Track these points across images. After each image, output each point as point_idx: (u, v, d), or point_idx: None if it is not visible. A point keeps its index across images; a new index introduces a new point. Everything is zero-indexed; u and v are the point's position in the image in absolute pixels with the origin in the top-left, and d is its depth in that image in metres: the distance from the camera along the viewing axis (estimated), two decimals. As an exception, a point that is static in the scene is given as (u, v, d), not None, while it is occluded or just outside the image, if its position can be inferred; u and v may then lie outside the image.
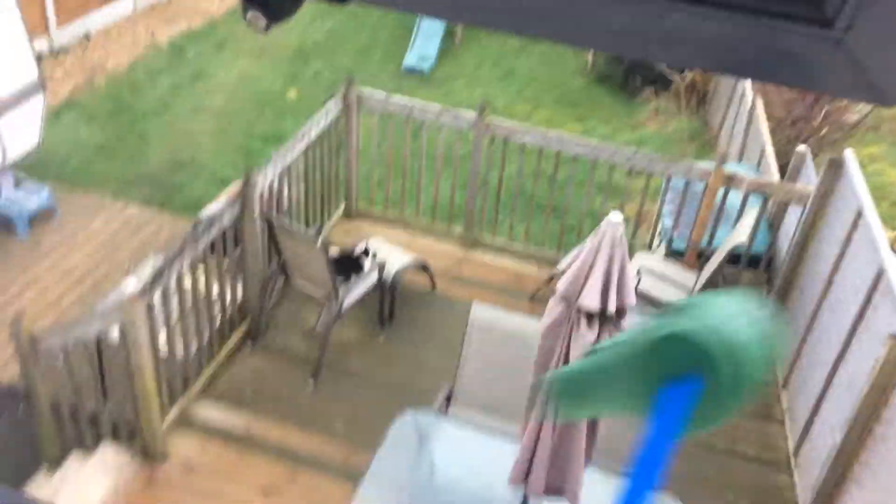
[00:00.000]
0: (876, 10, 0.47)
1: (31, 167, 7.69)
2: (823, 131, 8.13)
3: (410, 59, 10.95)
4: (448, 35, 11.51)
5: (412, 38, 11.24)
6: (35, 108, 7.05)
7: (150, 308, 4.08)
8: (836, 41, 0.48)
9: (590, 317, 3.14)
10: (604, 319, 3.14)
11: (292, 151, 5.36)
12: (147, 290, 4.04)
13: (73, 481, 4.20)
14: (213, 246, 4.65)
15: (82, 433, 4.40)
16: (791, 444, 4.77)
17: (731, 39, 0.52)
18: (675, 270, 5.55)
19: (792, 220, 5.68)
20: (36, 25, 9.67)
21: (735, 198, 5.61)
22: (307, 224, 5.89)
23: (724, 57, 0.57)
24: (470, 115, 5.81)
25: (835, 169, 5.08)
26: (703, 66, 0.62)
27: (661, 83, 10.22)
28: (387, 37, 11.87)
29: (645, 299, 5.30)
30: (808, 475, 4.40)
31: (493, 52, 11.69)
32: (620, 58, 10.56)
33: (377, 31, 12.03)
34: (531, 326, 3.74)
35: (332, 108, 5.81)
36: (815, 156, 6.54)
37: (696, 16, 0.51)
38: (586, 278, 3.07)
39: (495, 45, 11.91)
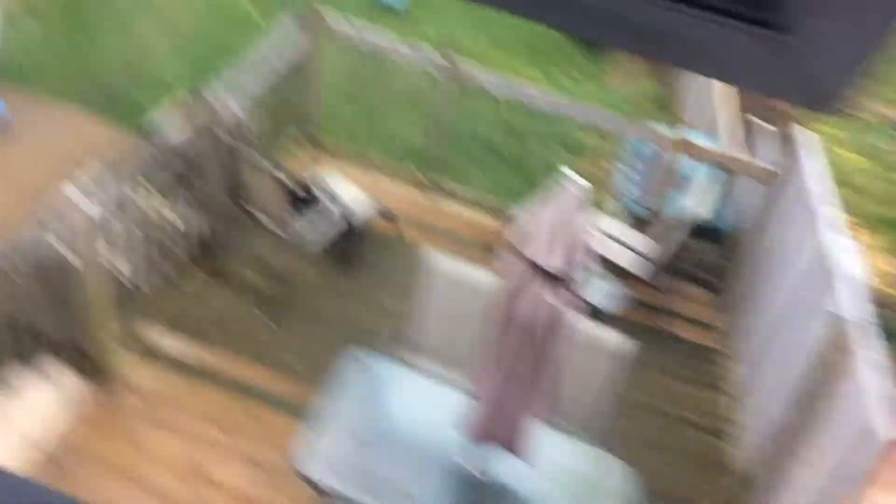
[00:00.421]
0: (821, 14, 0.46)
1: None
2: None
3: (383, -7, 10.61)
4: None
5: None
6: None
7: (105, 227, 3.91)
8: (778, 42, 0.48)
9: (546, 276, 3.16)
10: (560, 279, 3.15)
11: (252, 74, 5.13)
12: (103, 208, 3.87)
13: (24, 398, 4.05)
14: (174, 174, 4.46)
15: (36, 352, 4.21)
16: (736, 415, 4.88)
17: (669, 28, 0.52)
18: (633, 235, 5.59)
19: (752, 193, 5.68)
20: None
21: (697, 167, 5.63)
22: (267, 154, 5.70)
23: (658, 45, 0.56)
24: (437, 57, 5.66)
25: (794, 147, 5.14)
26: (636, 50, 0.60)
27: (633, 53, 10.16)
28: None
29: (604, 262, 5.31)
30: (750, 446, 4.53)
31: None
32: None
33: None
34: (484, 278, 3.75)
35: (293, 30, 5.54)
36: (778, 126, 6.60)
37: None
38: (544, 236, 3.08)
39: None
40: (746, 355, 5.09)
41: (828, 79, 0.50)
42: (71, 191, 3.88)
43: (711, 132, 7.45)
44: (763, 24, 0.48)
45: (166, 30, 8.87)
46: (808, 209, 4.65)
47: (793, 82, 0.51)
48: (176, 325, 4.73)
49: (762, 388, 4.59)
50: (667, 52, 0.59)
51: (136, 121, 7.31)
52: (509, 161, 6.23)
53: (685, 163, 5.58)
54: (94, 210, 3.87)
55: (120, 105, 7.56)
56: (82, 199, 3.90)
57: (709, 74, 0.59)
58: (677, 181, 5.67)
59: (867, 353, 3.58)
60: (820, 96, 0.52)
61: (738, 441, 4.77)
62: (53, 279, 4.07)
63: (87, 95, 7.58)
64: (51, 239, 3.81)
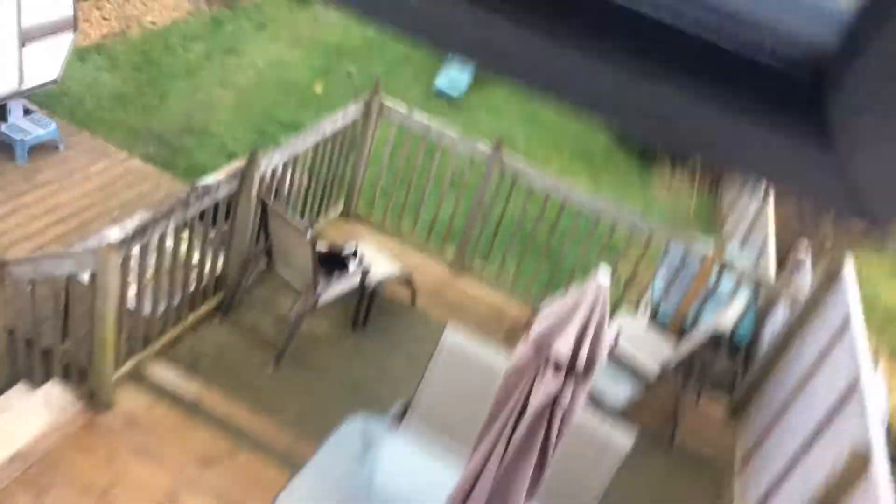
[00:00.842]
0: (871, 117, 0.41)
1: (45, 100, 7.68)
2: (829, 235, 8.16)
3: (441, 83, 11.02)
4: (483, 66, 11.58)
5: (446, 62, 11.31)
6: (62, 44, 7.06)
7: (126, 260, 4.03)
8: (826, 146, 0.42)
9: (557, 367, 3.11)
10: (570, 372, 3.10)
11: (304, 142, 5.35)
12: (127, 241, 3.99)
13: (13, 409, 4.11)
14: (203, 215, 4.61)
15: (33, 365, 4.33)
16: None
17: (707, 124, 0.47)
18: (654, 339, 5.52)
19: (779, 316, 5.67)
20: (84, -34, 9.74)
21: (729, 282, 5.61)
22: (303, 215, 5.87)
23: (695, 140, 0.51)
24: (485, 148, 5.83)
25: (830, 277, 5.08)
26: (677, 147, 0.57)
27: (679, 156, 10.29)
28: (423, 55, 11.95)
29: (619, 361, 5.27)
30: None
31: (522, 92, 11.76)
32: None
33: (415, 47, 12.11)
34: (499, 361, 3.70)
35: (353, 111, 5.81)
36: (815, 257, 6.57)
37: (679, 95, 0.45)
38: (562, 328, 3.04)
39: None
40: (754, 473, 4.90)
41: (879, 192, 0.45)
42: (108, 225, 4.04)
43: (749, 249, 7.42)
44: (809, 130, 0.42)
45: (234, 99, 9.30)
46: (842, 338, 4.54)
47: (838, 190, 0.45)
48: (177, 357, 4.75)
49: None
50: (703, 149, 0.54)
51: (183, 168, 7.63)
52: (545, 255, 6.25)
53: (721, 276, 5.55)
54: (125, 247, 3.98)
55: (171, 152, 7.88)
56: (112, 230, 4.05)
57: (745, 171, 0.54)
58: (707, 292, 5.62)
59: (885, 482, 3.41)
60: (867, 209, 0.46)
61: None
62: (65, 296, 4.16)
63: (141, 140, 7.93)
64: (74, 262, 3.91)
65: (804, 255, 6.04)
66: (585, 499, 3.73)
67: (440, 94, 10.92)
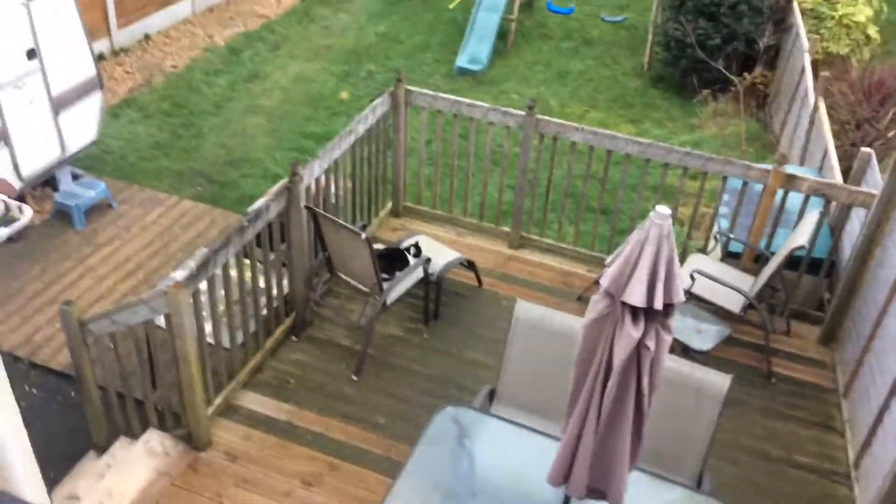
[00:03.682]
0: None
1: (90, 162, 7.91)
2: (891, 134, 7.79)
3: (462, 61, 10.92)
4: (500, 37, 11.44)
5: (464, 40, 11.21)
6: (93, 105, 7.23)
7: (195, 296, 4.11)
8: None
9: (635, 313, 3.03)
10: (650, 316, 3.02)
11: (339, 147, 5.36)
12: (193, 278, 4.07)
13: (119, 466, 4.26)
14: (259, 239, 4.67)
15: (129, 419, 4.46)
16: (851, 456, 4.55)
17: None
18: (731, 273, 5.37)
19: (855, 225, 5.44)
20: (97, 27, 9.96)
21: (795, 201, 5.41)
22: (354, 220, 5.89)
23: None
24: (519, 113, 5.73)
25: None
26: None
27: (719, 84, 9.97)
28: (439, 39, 11.87)
29: (699, 302, 5.15)
30: (869, 488, 4.18)
31: (545, 54, 11.58)
32: (677, 58, 10.35)
33: (430, 34, 12.04)
34: (577, 325, 3.64)
35: (380, 106, 5.80)
36: (881, 159, 6.28)
37: None
38: (631, 273, 2.94)
39: (548, 47, 11.80)
40: (858, 391, 4.72)
41: None
42: (173, 270, 4.14)
43: (811, 165, 7.14)
44: None
45: (266, 123, 9.40)
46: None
47: None
48: (263, 384, 4.83)
49: (881, 425, 4.21)
50: None
51: (232, 200, 7.75)
52: (601, 212, 6.14)
53: (786, 196, 5.35)
54: (192, 284, 4.05)
55: (217, 187, 8.01)
56: (178, 273, 4.13)
57: None
58: (778, 216, 5.43)
59: None
60: None
61: (856, 484, 4.38)
62: (147, 345, 4.27)
63: (187, 181, 8.08)
64: (146, 308, 4.00)
65: (868, 158, 5.77)
66: (693, 451, 3.65)
67: (463, 72, 10.83)
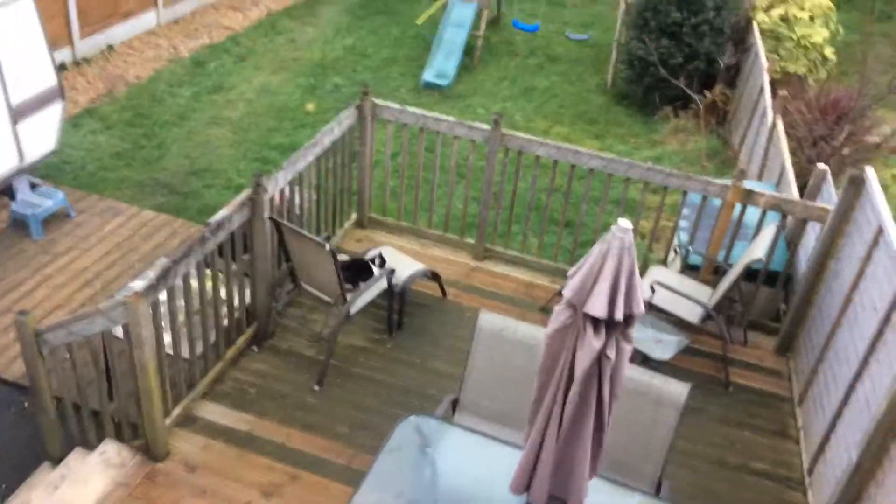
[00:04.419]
0: None
1: (49, 171, 7.77)
2: (845, 151, 8.00)
3: (429, 75, 10.98)
4: (467, 53, 11.54)
5: (431, 55, 11.28)
6: (53, 115, 7.12)
7: (154, 306, 4.06)
8: None
9: (596, 323, 3.07)
10: (611, 326, 3.06)
11: (304, 159, 5.35)
12: (153, 287, 4.02)
13: (74, 477, 4.16)
14: (221, 249, 4.64)
15: (85, 430, 4.37)
16: (805, 462, 4.64)
17: None
18: (690, 285, 5.46)
19: (810, 239, 5.58)
20: (60, 37, 9.82)
21: (753, 215, 5.53)
22: (318, 231, 5.88)
23: None
24: (484, 127, 5.78)
25: (855, 186, 4.97)
26: None
27: (681, 102, 10.16)
28: (406, 54, 11.93)
29: (659, 313, 5.22)
30: (822, 494, 4.27)
31: (511, 70, 11.70)
32: (640, 76, 10.53)
33: (397, 48, 12.09)
34: (539, 335, 3.67)
35: (347, 118, 5.80)
36: (835, 176, 6.44)
37: None
38: (594, 284, 2.99)
39: (514, 64, 11.92)
40: (812, 400, 4.83)
41: None
42: (132, 280, 4.08)
43: (769, 180, 7.31)
44: None
45: (231, 134, 9.34)
46: (878, 248, 4.45)
47: None
48: (223, 394, 4.78)
49: (834, 433, 4.31)
50: None
51: (195, 210, 7.67)
52: (565, 224, 6.20)
53: (744, 211, 5.47)
54: (151, 294, 4.00)
55: (180, 198, 7.92)
56: (137, 283, 4.08)
57: None
58: (736, 230, 5.54)
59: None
60: None
61: (810, 490, 4.47)
62: (104, 355, 4.20)
63: (148, 192, 7.99)
64: (104, 318, 3.94)
65: (823, 175, 5.92)
66: (652, 458, 3.70)
67: (430, 86, 10.89)
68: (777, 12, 10.17)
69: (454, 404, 4.05)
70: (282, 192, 5.17)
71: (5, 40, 6.46)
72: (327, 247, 4.64)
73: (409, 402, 4.77)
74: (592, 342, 3.07)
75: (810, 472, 4.55)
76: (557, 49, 12.49)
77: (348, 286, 4.92)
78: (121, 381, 4.31)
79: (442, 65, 11.16)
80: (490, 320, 4.03)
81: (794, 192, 6.35)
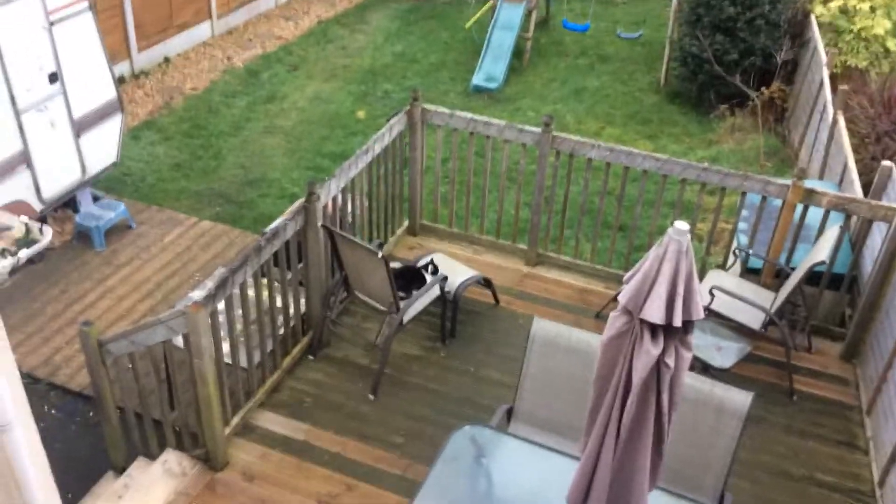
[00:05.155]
0: None
1: (110, 184, 8.00)
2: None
3: (478, 79, 10.96)
4: (516, 55, 11.48)
5: (480, 59, 11.26)
6: (113, 127, 7.33)
7: (213, 316, 4.13)
8: None
9: (654, 330, 3.00)
10: (669, 333, 2.99)
11: (356, 166, 5.38)
12: (211, 297, 4.09)
13: (136, 486, 4.26)
14: (276, 258, 4.69)
15: (147, 439, 4.47)
16: (876, 474, 4.46)
17: None
18: (750, 289, 5.31)
19: (876, 240, 5.37)
20: (118, 50, 10.11)
21: (815, 216, 5.36)
22: (370, 239, 5.91)
23: None
24: (535, 130, 5.73)
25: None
26: None
27: (737, 99, 9.92)
28: (455, 58, 11.93)
29: (719, 319, 5.10)
30: (895, 508, 4.10)
31: (561, 71, 11.60)
32: (694, 73, 10.32)
33: (446, 53, 12.11)
34: (595, 342, 3.61)
35: (397, 124, 5.82)
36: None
37: None
38: (650, 289, 2.92)
39: (564, 64, 11.82)
40: (882, 409, 4.64)
41: None
42: (192, 290, 4.17)
43: (831, 179, 7.08)
44: None
45: (284, 143, 9.49)
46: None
47: None
48: (280, 404, 4.84)
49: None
50: None
51: (250, 220, 7.80)
52: (619, 228, 6.11)
53: (806, 211, 5.30)
54: (210, 304, 4.07)
55: (236, 207, 8.07)
56: (196, 293, 4.16)
57: None
58: (798, 231, 5.38)
59: None
60: None
61: (882, 503, 4.29)
62: (165, 365, 4.29)
63: (206, 202, 8.15)
64: (165, 328, 4.02)
65: (889, 172, 5.71)
66: (714, 469, 3.60)
67: (479, 90, 10.87)
68: (836, 4, 9.85)
69: (509, 413, 4.02)
70: (334, 200, 5.21)
71: (67, 55, 6.68)
72: (380, 254, 4.66)
73: (463, 411, 4.75)
74: (650, 349, 3.01)
75: (881, 484, 4.37)
76: (608, 48, 12.34)
77: (401, 294, 4.93)
78: (181, 391, 4.40)
79: (491, 68, 11.13)
80: (544, 327, 3.99)
81: (859, 191, 6.13)
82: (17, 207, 6.30)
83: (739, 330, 5.05)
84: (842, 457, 4.62)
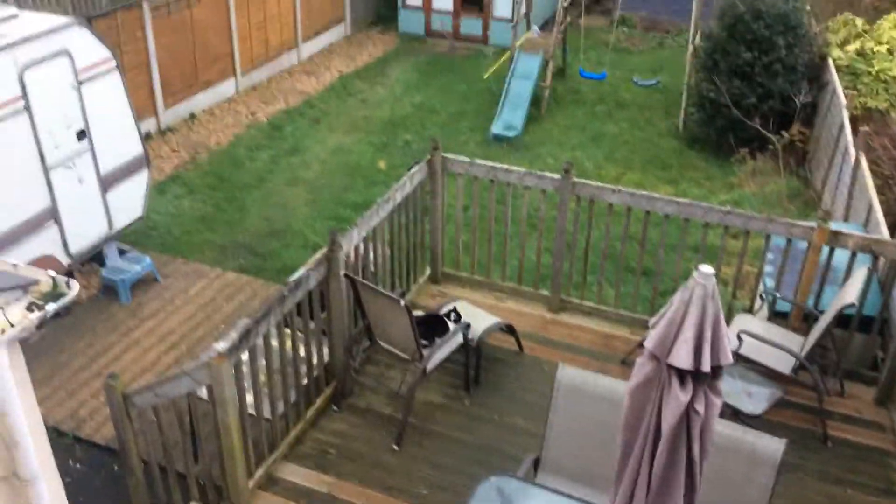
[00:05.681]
0: None
1: (136, 237, 8.12)
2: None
3: (497, 128, 11.08)
4: (534, 104, 11.61)
5: (499, 108, 11.40)
6: (140, 183, 7.47)
7: (236, 367, 4.13)
8: None
9: (682, 376, 2.95)
10: (698, 379, 2.94)
11: (377, 215, 5.42)
12: (235, 348, 4.09)
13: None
14: (299, 308, 4.70)
15: (171, 492, 4.44)
16: (919, 524, 4.31)
17: None
18: (779, 333, 5.22)
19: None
20: (145, 107, 10.37)
21: (842, 258, 5.29)
22: (393, 287, 5.91)
23: None
24: (554, 176, 5.76)
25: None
26: None
27: (757, 143, 9.93)
28: (474, 108, 12.09)
29: (748, 363, 5.00)
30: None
31: (579, 119, 11.69)
32: (712, 118, 10.36)
33: (465, 103, 12.27)
34: (622, 389, 3.56)
35: (417, 173, 5.88)
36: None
37: None
38: (677, 334, 2.88)
39: (581, 112, 11.92)
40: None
41: None
42: (216, 341, 4.18)
43: (856, 221, 7.01)
44: None
45: (307, 194, 9.61)
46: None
47: None
48: (304, 455, 4.78)
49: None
50: None
51: (274, 271, 7.85)
52: (642, 273, 6.07)
53: (832, 253, 5.23)
54: (233, 355, 4.08)
55: (259, 259, 8.14)
56: (221, 344, 4.16)
57: None
58: (825, 274, 5.30)
59: None
60: None
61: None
62: (189, 417, 4.28)
63: (230, 254, 8.23)
64: (189, 379, 4.02)
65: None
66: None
67: (499, 139, 10.97)
68: (853, 47, 9.90)
69: (535, 463, 3.95)
70: (356, 250, 5.23)
71: (95, 113, 6.86)
72: (402, 302, 4.66)
73: (489, 460, 4.68)
74: (679, 395, 2.95)
75: (924, 533, 4.22)
76: (625, 95, 12.44)
77: (424, 342, 4.91)
78: (205, 443, 4.37)
79: (510, 117, 11.26)
80: (569, 374, 3.94)
81: (885, 232, 6.06)
82: (44, 262, 6.40)
83: (769, 375, 4.95)
84: (880, 505, 4.48)
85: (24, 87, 6.22)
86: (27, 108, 6.27)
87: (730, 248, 6.94)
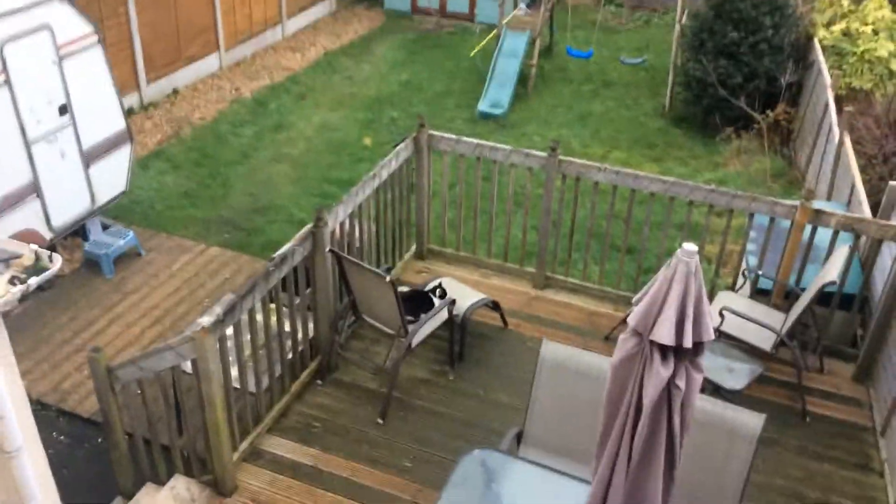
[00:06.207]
0: None
1: (119, 212, 8.05)
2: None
3: (484, 105, 11.05)
4: (521, 82, 11.57)
5: (485, 86, 11.35)
6: (122, 157, 7.40)
7: (221, 341, 4.12)
8: None
9: (664, 352, 2.98)
10: (679, 355, 2.97)
11: (363, 192, 5.41)
12: (219, 323, 4.09)
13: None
14: (284, 283, 4.70)
15: (155, 465, 4.45)
16: (892, 497, 4.40)
17: None
18: (761, 310, 5.28)
19: (886, 260, 5.35)
20: (127, 82, 10.24)
21: (824, 236, 5.34)
22: (378, 264, 5.91)
23: None
24: (541, 154, 5.76)
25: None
26: None
27: (742, 122, 9.96)
28: (460, 86, 12.03)
29: (729, 340, 5.06)
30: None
31: (566, 97, 11.68)
32: (698, 97, 10.37)
33: (451, 81, 12.21)
34: (605, 365, 3.59)
35: (403, 150, 5.86)
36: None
37: None
38: (660, 310, 2.91)
39: (568, 90, 11.90)
40: (899, 428, 4.58)
41: None
42: (200, 316, 4.18)
43: (839, 200, 7.07)
44: None
45: (291, 171, 9.55)
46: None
47: None
48: (289, 428, 4.81)
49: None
50: None
51: (258, 246, 7.82)
52: (626, 251, 6.10)
53: (815, 232, 5.28)
54: (218, 329, 4.07)
55: (244, 234, 8.10)
56: (205, 318, 4.15)
57: None
58: (807, 252, 5.36)
59: None
60: None
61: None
62: (174, 390, 4.28)
63: (214, 229, 8.19)
64: (173, 353, 4.02)
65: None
66: (727, 493, 3.55)
67: (485, 117, 10.94)
68: (838, 27, 9.92)
69: (518, 437, 3.99)
70: (342, 226, 5.22)
71: (77, 88, 6.77)
72: (388, 278, 4.66)
73: (473, 434, 4.72)
74: (660, 371, 2.99)
75: (898, 506, 4.31)
76: (612, 74, 12.43)
77: (409, 318, 4.92)
78: (189, 416, 4.38)
79: (496, 95, 11.22)
80: (553, 350, 3.97)
81: (867, 211, 6.12)
82: (26, 236, 6.34)
83: (750, 351, 5.02)
84: (857, 479, 4.56)
85: (4, 62, 6.13)
86: (7, 82, 6.17)
87: (714, 226, 6.99)
